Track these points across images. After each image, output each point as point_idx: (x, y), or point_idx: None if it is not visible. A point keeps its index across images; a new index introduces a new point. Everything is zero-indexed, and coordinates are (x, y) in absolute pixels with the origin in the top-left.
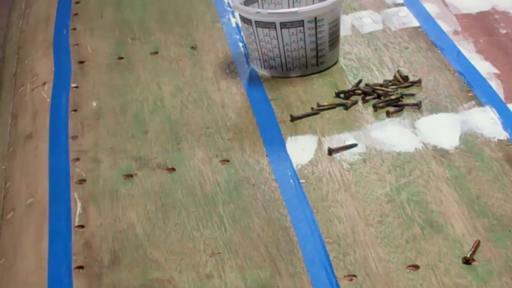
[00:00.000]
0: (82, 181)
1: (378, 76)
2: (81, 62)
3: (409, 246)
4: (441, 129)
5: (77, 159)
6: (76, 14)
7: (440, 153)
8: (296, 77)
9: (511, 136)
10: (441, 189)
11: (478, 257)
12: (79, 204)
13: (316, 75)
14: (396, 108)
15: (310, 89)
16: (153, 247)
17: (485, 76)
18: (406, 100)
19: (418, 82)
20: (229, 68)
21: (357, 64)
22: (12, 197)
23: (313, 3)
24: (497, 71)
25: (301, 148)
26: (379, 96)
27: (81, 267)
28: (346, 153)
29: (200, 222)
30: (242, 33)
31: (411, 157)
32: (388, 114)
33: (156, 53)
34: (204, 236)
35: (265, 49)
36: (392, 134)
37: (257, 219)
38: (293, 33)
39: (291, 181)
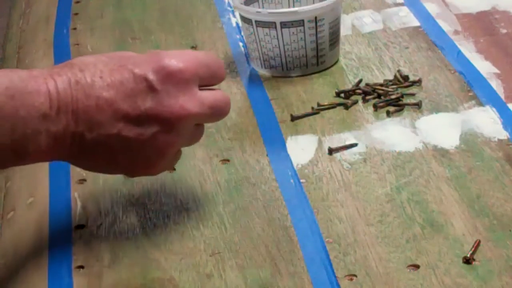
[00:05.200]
0: (82, 180)
1: (378, 75)
2: None
3: (409, 246)
4: (441, 128)
5: None
6: (76, 14)
7: (441, 153)
8: (297, 76)
9: (511, 136)
10: (441, 188)
11: (478, 256)
12: (79, 204)
13: (316, 74)
14: (396, 107)
15: (310, 89)
16: (153, 246)
17: (485, 75)
18: (406, 100)
19: (419, 81)
20: (230, 67)
21: (358, 64)
22: (12, 197)
23: (314, 3)
24: (497, 71)
25: (301, 148)
26: (379, 96)
27: (81, 267)
28: (346, 152)
29: (200, 221)
30: (242, 33)
31: (411, 157)
32: (389, 113)
33: None
34: (204, 236)
35: (266, 49)
36: (393, 134)
37: (258, 218)
38: (293, 32)
39: (292, 180)
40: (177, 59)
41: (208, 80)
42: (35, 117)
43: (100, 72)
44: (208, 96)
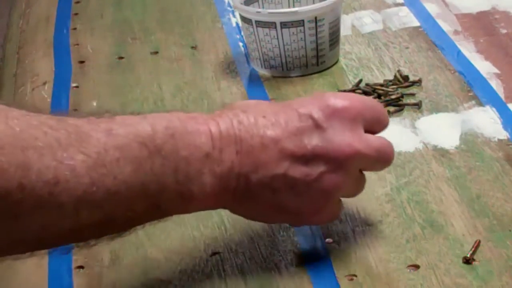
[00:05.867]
0: None
1: (378, 76)
2: (82, 62)
3: (410, 246)
4: (441, 128)
5: None
6: (76, 14)
7: (441, 153)
8: (297, 76)
9: (511, 136)
10: (441, 188)
11: (478, 256)
12: None
13: (316, 74)
14: (396, 107)
15: (310, 89)
16: (153, 246)
17: (485, 75)
18: (406, 100)
19: (419, 81)
20: (229, 67)
21: (358, 64)
22: None
23: (313, 3)
24: (497, 71)
25: None
26: (379, 96)
27: (81, 267)
28: None
29: (200, 222)
30: (242, 33)
31: (411, 157)
32: (389, 113)
33: (156, 53)
34: (204, 236)
35: (266, 49)
36: (393, 134)
37: None
38: (293, 32)
39: None
40: (342, 98)
41: (372, 125)
42: (198, 157)
43: (263, 112)
44: (374, 139)
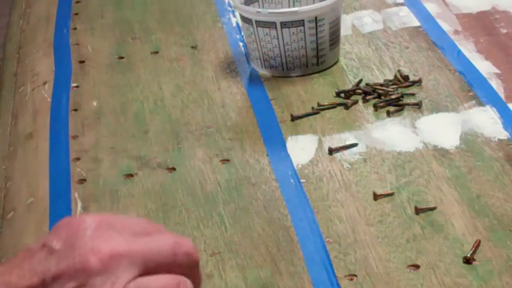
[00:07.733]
0: (82, 180)
1: (378, 75)
2: (82, 62)
3: (410, 246)
4: (441, 128)
5: (78, 159)
6: (76, 14)
7: (441, 153)
8: (297, 76)
9: (511, 136)
10: (441, 188)
11: (478, 256)
12: (79, 204)
13: (316, 74)
14: (396, 107)
15: (310, 89)
16: None
17: (485, 75)
18: (406, 100)
19: (419, 81)
20: (230, 67)
21: (358, 64)
22: (13, 197)
23: (314, 3)
24: (497, 71)
25: (301, 148)
26: (379, 96)
27: None
28: (346, 152)
29: (201, 221)
30: (242, 33)
31: (411, 157)
32: (389, 113)
33: (156, 52)
34: (205, 236)
35: (266, 49)
36: (393, 134)
37: (258, 218)
38: (293, 32)
39: (292, 180)
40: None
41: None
42: None
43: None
44: (153, 239)
